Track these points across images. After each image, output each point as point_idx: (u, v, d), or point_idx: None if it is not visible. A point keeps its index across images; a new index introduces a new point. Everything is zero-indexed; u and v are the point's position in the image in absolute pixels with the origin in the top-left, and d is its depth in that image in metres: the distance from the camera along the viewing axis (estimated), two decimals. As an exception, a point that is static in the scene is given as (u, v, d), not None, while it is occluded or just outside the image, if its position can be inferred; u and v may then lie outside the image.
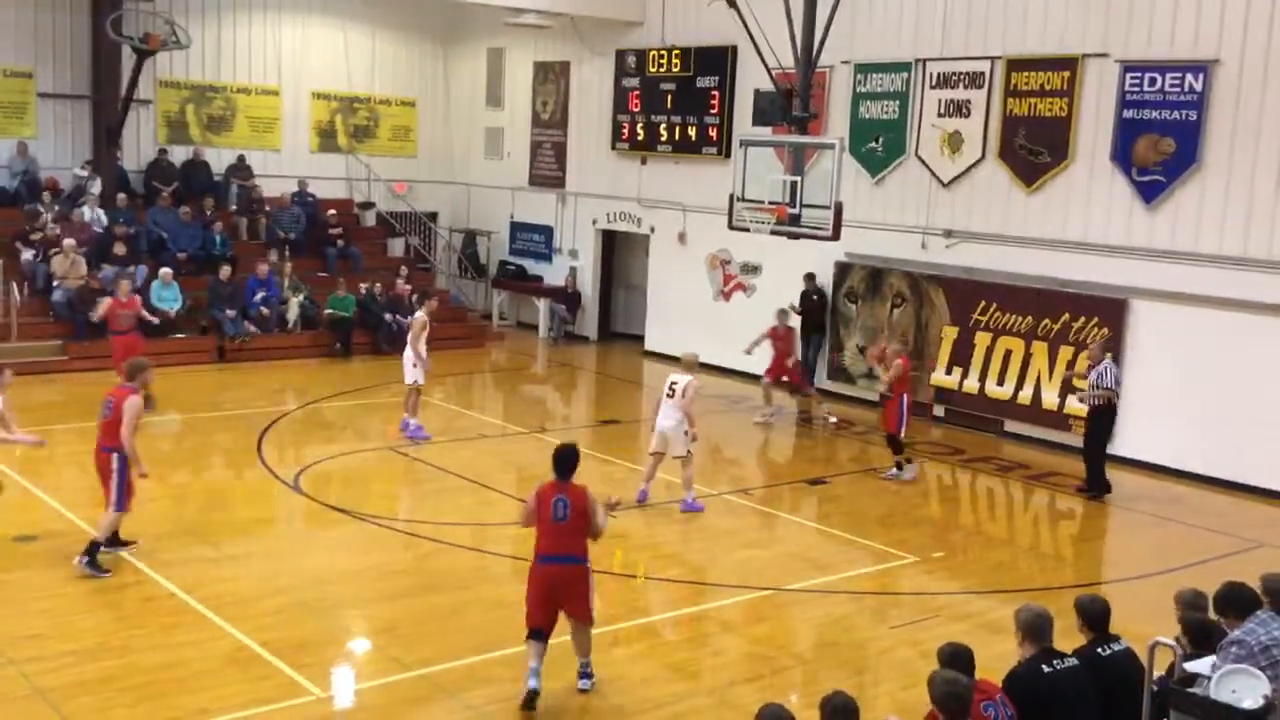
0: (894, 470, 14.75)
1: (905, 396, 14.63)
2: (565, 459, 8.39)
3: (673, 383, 12.89)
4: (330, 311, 21.23)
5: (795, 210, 15.42)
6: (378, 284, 21.94)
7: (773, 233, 15.92)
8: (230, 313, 20.27)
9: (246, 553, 11.14)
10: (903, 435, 14.73)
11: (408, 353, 15.33)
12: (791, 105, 16.19)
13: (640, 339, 23.30)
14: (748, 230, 16.18)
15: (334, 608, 9.91)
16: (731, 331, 19.36)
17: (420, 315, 15.48)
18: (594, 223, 24.12)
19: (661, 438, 12.91)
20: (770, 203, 15.65)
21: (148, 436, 15.60)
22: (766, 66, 16.62)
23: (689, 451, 12.87)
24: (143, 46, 20.72)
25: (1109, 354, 14.75)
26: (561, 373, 22.33)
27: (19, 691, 7.93)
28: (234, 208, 23.25)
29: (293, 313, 21.10)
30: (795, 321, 18.44)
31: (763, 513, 13.32)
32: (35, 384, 17.56)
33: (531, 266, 25.42)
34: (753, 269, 20.86)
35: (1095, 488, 14.38)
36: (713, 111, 21.21)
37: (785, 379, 18.02)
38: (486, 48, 26.30)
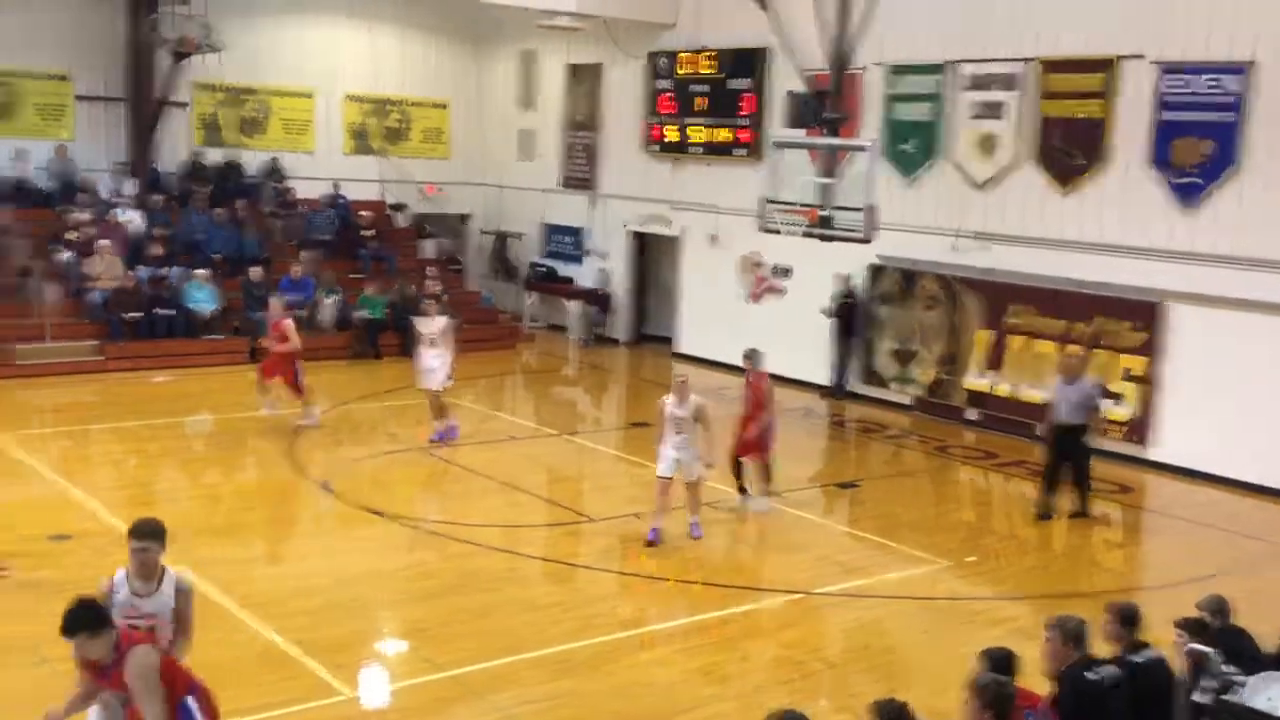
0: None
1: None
2: None
3: (676, 414, 11.74)
4: (361, 313, 21.33)
5: (827, 212, 15.36)
6: (411, 285, 22.01)
7: (804, 235, 15.86)
8: (262, 314, 20.39)
9: (278, 553, 11.22)
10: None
11: (431, 357, 15.20)
12: (824, 107, 16.13)
13: (671, 341, 23.28)
14: (779, 233, 16.13)
15: (365, 608, 9.95)
16: (762, 335, 19.28)
17: (448, 320, 15.46)
18: (625, 225, 24.12)
19: (673, 463, 11.80)
20: (802, 205, 15.60)
21: (178, 436, 15.78)
22: (799, 68, 16.57)
23: (702, 477, 12.04)
24: (179, 49, 20.89)
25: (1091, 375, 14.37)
26: (592, 375, 22.35)
27: (55, 690, 7.98)
28: (268, 209, 23.41)
29: (324, 314, 21.22)
30: (764, 364, 13.75)
31: (793, 515, 13.26)
32: (71, 384, 17.78)
33: (562, 268, 25.45)
34: (784, 271, 20.80)
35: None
36: (744, 113, 21.17)
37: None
38: (518, 50, 26.36)
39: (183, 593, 6.34)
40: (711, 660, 9.30)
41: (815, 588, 10.85)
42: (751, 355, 13.41)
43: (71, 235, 20.33)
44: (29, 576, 9.92)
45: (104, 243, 19.90)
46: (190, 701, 5.67)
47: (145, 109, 22.03)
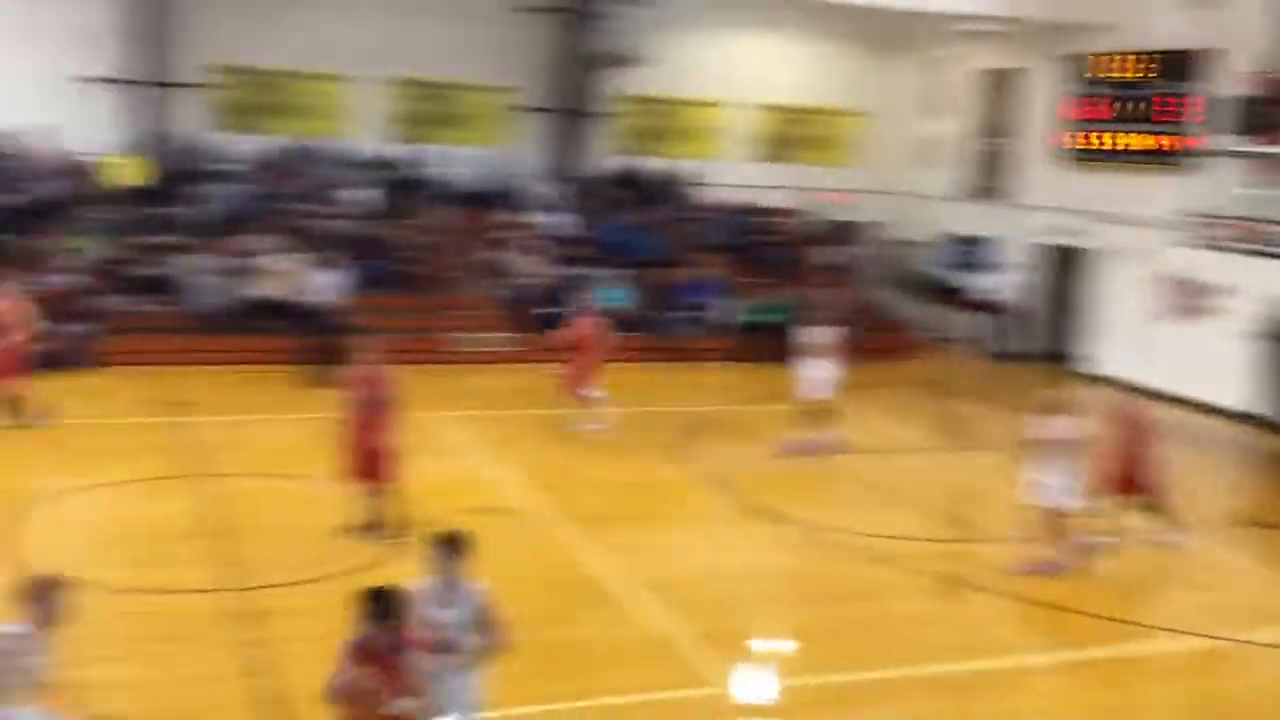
0: None
1: None
2: None
3: (1055, 436, 10.98)
4: (761, 318, 21.80)
5: (1265, 227, 14.09)
6: (809, 292, 22.24)
7: (1236, 251, 14.63)
8: (670, 314, 21.38)
9: (670, 542, 11.74)
10: None
11: (815, 367, 15.16)
12: (1272, 113, 14.81)
13: (1077, 358, 22.13)
14: (1207, 248, 14.96)
15: (747, 605, 10.23)
16: (1179, 355, 18.00)
17: (836, 329, 15.43)
18: (1031, 235, 23.19)
19: (1055, 489, 10.99)
20: (1236, 218, 14.38)
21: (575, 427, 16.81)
22: (1241, 71, 15.28)
23: (1080, 505, 11.20)
24: (609, 63, 22.30)
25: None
26: (989, 389, 21.65)
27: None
28: (678, 215, 24.46)
29: (726, 317, 21.90)
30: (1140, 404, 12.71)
31: (1201, 553, 12.26)
32: (495, 373, 19.40)
33: (963, 279, 24.84)
34: (1207, 289, 19.19)
35: None
36: (1170, 119, 19.74)
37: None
38: (926, 56, 25.99)
39: (482, 607, 6.29)
40: (1103, 700, 8.84)
41: (1221, 633, 10.03)
42: (1127, 391, 12.45)
43: (502, 235, 22.22)
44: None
45: (530, 243, 21.61)
46: None
47: (573, 119, 23.69)
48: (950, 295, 24.84)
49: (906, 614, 10.05)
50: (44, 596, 5.55)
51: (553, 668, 8.55)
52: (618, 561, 10.79)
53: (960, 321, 24.46)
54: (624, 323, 21.13)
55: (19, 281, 15.41)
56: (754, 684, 8.83)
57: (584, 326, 15.68)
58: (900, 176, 26.79)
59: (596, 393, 15.46)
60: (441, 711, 6.13)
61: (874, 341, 21.71)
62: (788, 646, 9.50)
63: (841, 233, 26.26)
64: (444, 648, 6.13)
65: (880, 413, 18.45)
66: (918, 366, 22.72)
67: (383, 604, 5.62)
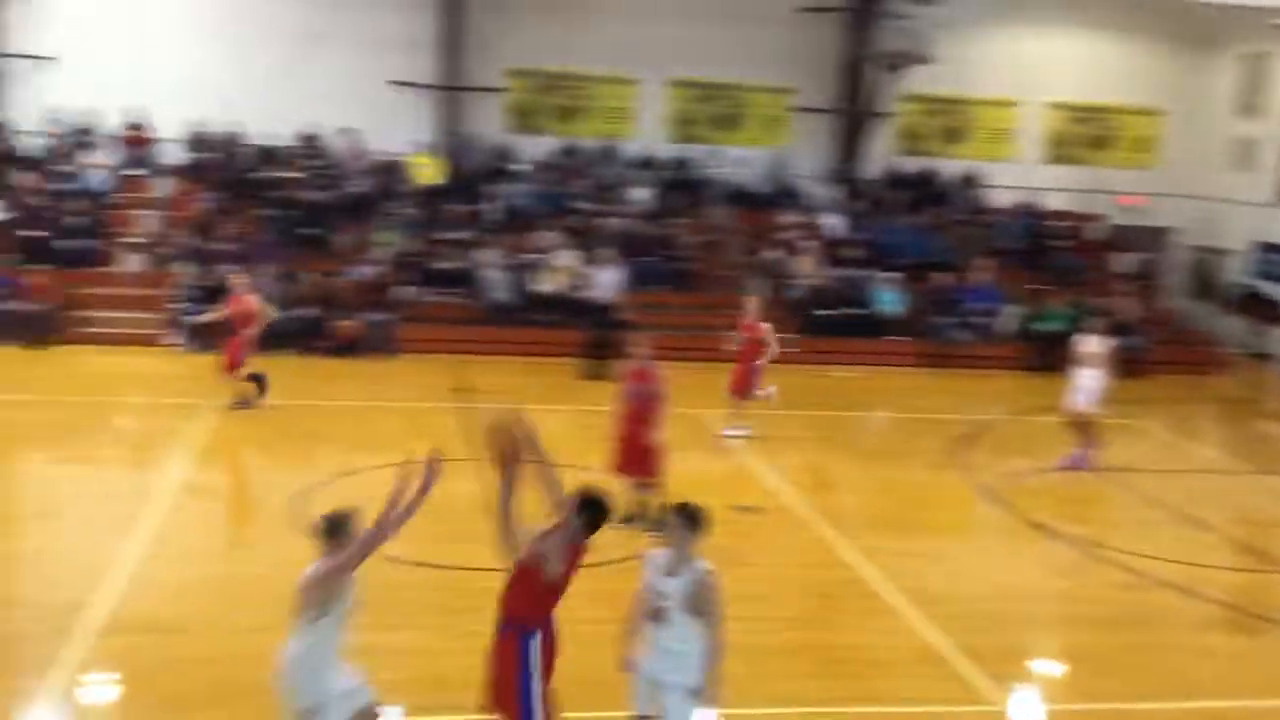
0: None
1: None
2: None
3: None
4: (1043, 325, 20.94)
5: None
6: (1096, 300, 21.18)
7: None
8: (946, 319, 20.84)
9: (941, 552, 11.45)
10: None
11: (1085, 377, 14.33)
12: None
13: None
14: None
15: (1025, 622, 9.86)
16: None
17: (1109, 339, 14.61)
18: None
19: None
20: None
21: (856, 429, 16.63)
22: None
23: None
24: (893, 63, 21.97)
25: None
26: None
27: (736, 643, 8.90)
28: (959, 217, 23.81)
29: (1005, 323, 21.15)
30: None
31: None
32: (771, 372, 19.45)
33: (1277, 291, 23.00)
34: None
35: None
36: None
37: None
38: (1242, 53, 24.20)
39: (700, 584, 6.26)
40: None
41: None
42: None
43: (780, 236, 22.25)
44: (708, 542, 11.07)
45: (807, 244, 21.54)
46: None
47: (853, 119, 23.45)
48: (1262, 307, 23.05)
49: (1187, 644, 9.42)
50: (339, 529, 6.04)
51: (828, 669, 8.55)
52: (885, 568, 10.62)
53: (1273, 336, 22.65)
54: (894, 327, 20.84)
55: (253, 278, 16.35)
56: (1036, 705, 8.49)
57: (755, 331, 15.06)
58: (1205, 179, 25.08)
59: (761, 393, 15.08)
60: (656, 681, 6.26)
61: (1172, 354, 20.46)
62: (1060, 670, 9.10)
63: (1137, 238, 24.86)
64: (656, 615, 6.26)
65: (1172, 429, 17.40)
66: (1221, 382, 21.23)
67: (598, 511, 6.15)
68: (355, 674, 6.18)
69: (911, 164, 24.65)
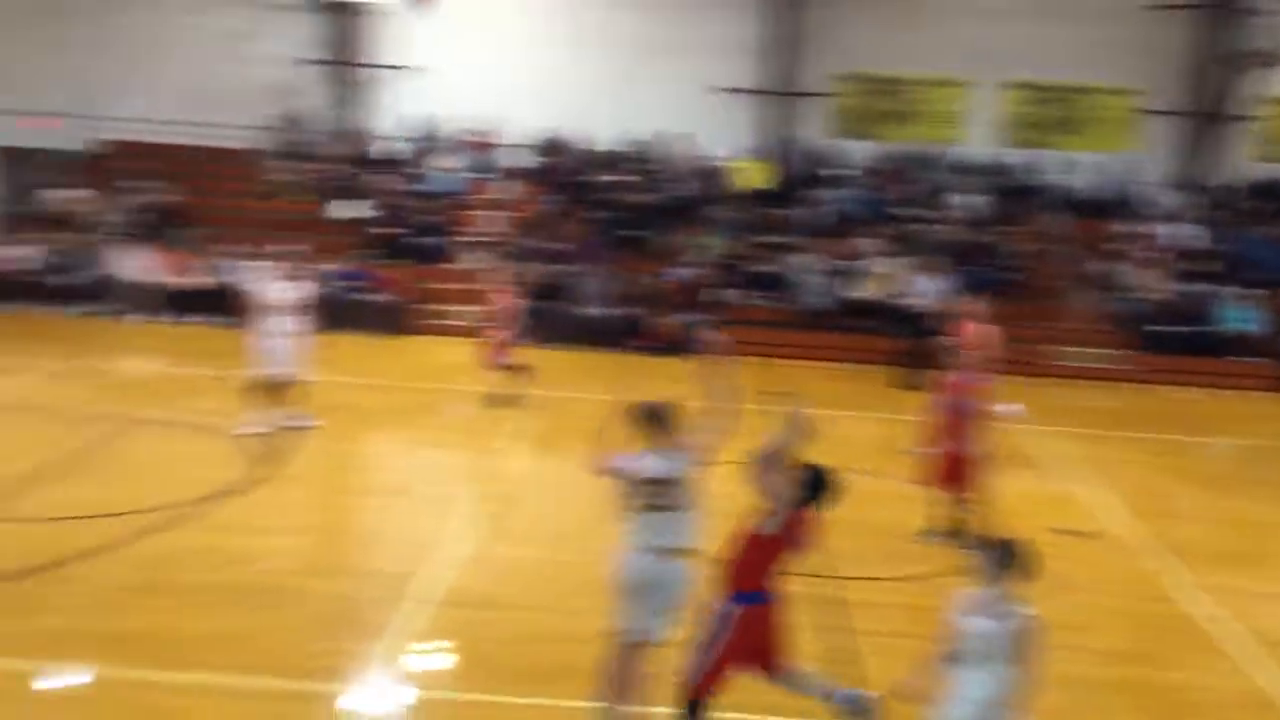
0: None
1: None
2: None
3: None
4: None
5: None
6: None
7: None
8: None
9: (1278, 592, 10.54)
10: None
11: None
12: None
13: None
14: None
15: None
16: None
17: None
18: None
19: None
20: None
21: (1199, 455, 15.52)
22: None
23: None
24: (1256, 62, 20.32)
25: None
26: None
27: (1054, 672, 8.51)
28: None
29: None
30: None
31: None
32: (1098, 390, 18.48)
33: None
34: None
35: None
36: None
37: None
38: None
39: (1020, 630, 5.74)
40: None
41: None
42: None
43: (1118, 246, 21.04)
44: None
45: (1149, 256, 20.25)
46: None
47: (1207, 123, 21.85)
48: None
49: None
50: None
51: (1146, 706, 8.11)
52: (1218, 604, 9.88)
53: None
54: (1244, 346, 19.24)
55: (506, 272, 16.69)
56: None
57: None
58: None
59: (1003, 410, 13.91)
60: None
61: None
62: None
63: None
64: (954, 658, 5.80)
65: None
66: None
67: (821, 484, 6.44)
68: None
69: (1273, 171, 22.70)
